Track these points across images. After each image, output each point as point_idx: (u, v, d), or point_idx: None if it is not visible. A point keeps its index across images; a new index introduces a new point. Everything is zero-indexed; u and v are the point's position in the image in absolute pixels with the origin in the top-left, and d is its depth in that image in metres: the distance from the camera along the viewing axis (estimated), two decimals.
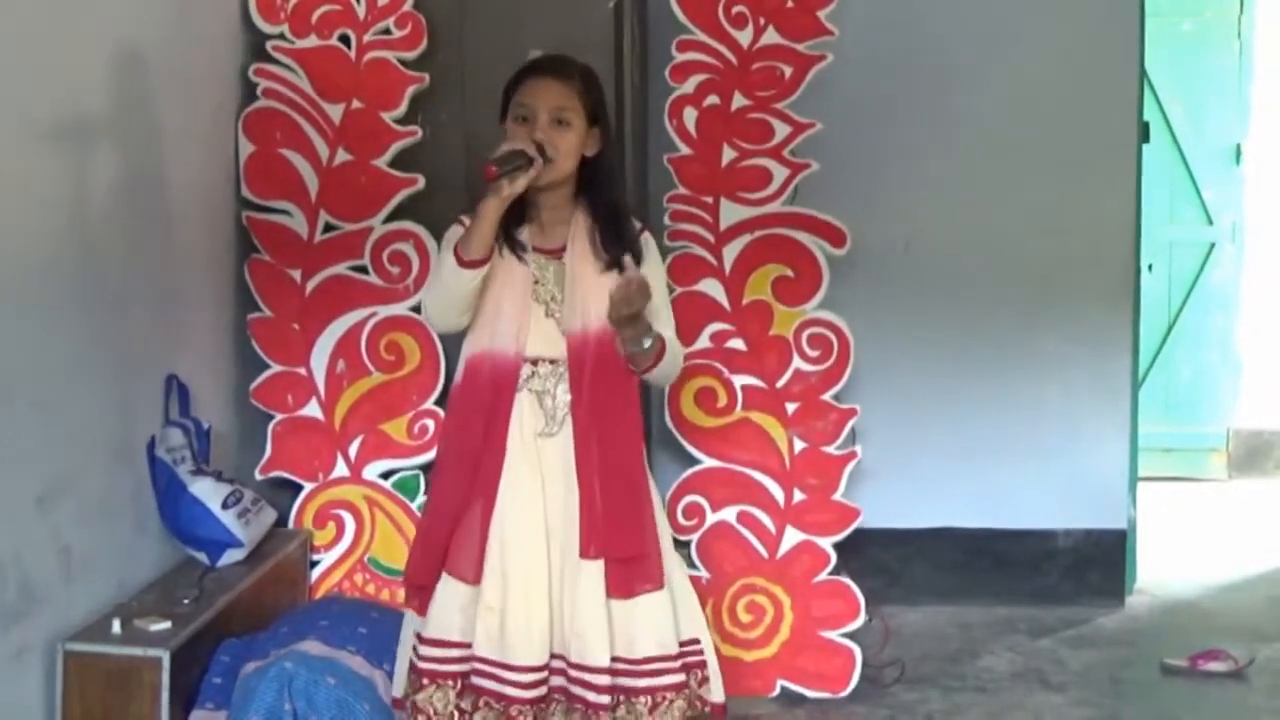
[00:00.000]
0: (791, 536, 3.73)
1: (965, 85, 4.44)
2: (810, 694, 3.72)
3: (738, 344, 3.75)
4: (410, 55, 3.73)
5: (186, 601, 3.06)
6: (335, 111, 3.70)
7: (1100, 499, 4.51)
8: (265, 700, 2.87)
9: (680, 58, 3.74)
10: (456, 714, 2.62)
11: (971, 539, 4.51)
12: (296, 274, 3.70)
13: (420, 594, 2.68)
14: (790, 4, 3.72)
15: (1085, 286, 4.49)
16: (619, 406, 2.66)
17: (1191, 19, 6.15)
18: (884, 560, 4.40)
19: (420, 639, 2.65)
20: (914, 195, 4.45)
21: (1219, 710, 3.74)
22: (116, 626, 2.86)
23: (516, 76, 2.67)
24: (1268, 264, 6.35)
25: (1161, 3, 5.55)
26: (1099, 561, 4.51)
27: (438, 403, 3.67)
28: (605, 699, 2.57)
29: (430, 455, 3.65)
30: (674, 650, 2.64)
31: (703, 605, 3.57)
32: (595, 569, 2.59)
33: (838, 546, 3.75)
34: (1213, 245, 6.28)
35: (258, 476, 3.69)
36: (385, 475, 3.72)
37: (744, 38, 3.73)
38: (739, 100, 3.73)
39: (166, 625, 2.91)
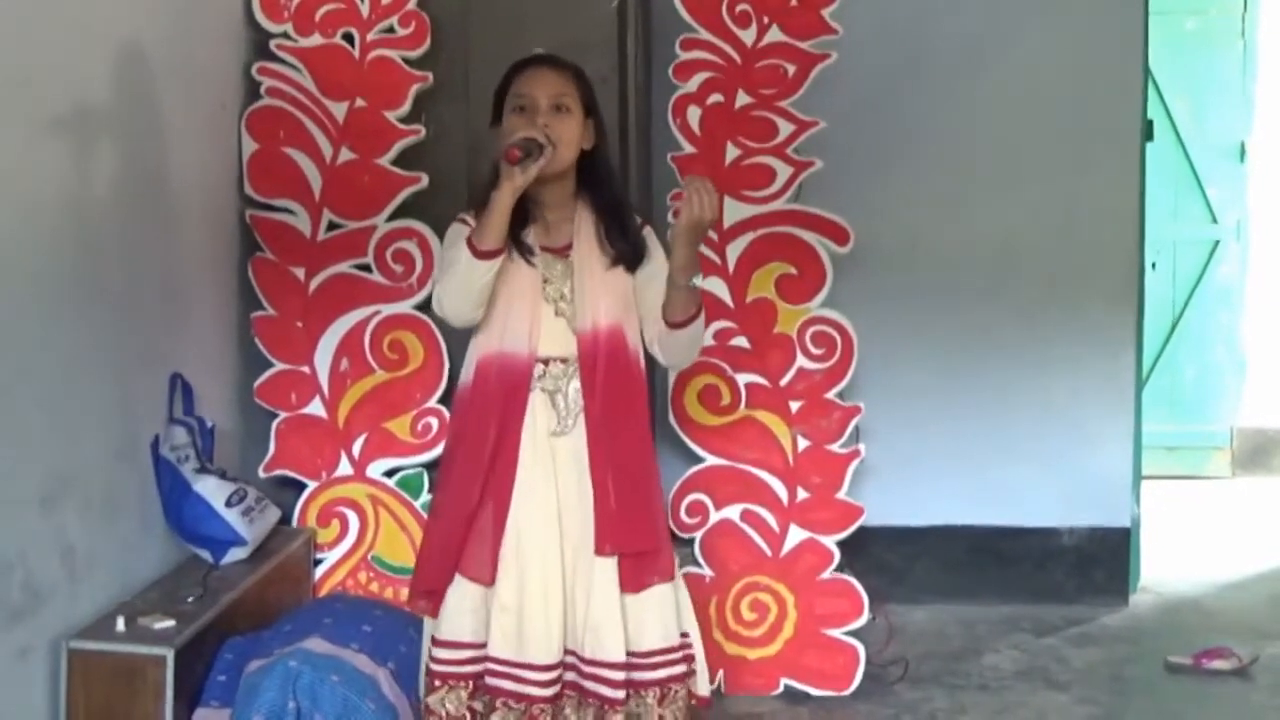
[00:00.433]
0: (795, 535, 3.73)
1: (969, 83, 4.44)
2: (814, 692, 3.72)
3: (741, 342, 3.76)
4: (414, 54, 3.73)
5: (190, 600, 3.07)
6: (339, 110, 3.70)
7: (1104, 497, 4.51)
8: (269, 698, 2.87)
9: (684, 56, 3.75)
10: (469, 715, 2.62)
11: (975, 537, 4.51)
12: (300, 272, 3.71)
13: (430, 598, 2.66)
14: (794, 2, 3.72)
15: (1089, 284, 4.48)
16: (630, 401, 2.66)
17: (1195, 17, 6.15)
18: (887, 558, 4.39)
19: (435, 642, 2.64)
20: (918, 193, 4.45)
21: (1223, 708, 3.74)
22: (121, 625, 2.86)
23: (508, 75, 2.67)
24: (1272, 262, 6.35)
25: (1165, 1, 5.55)
26: (1103, 560, 4.51)
27: (441, 401, 3.67)
28: (621, 694, 2.58)
29: (433, 453, 3.66)
30: (676, 642, 2.66)
31: (706, 603, 3.64)
32: (609, 565, 2.60)
33: (841, 545, 3.75)
34: (1217, 243, 6.28)
35: (261, 475, 3.70)
36: (389, 473, 3.72)
37: (748, 36, 3.73)
38: (743, 98, 3.73)
39: (171, 623, 2.91)
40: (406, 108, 3.72)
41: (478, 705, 2.62)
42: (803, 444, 3.75)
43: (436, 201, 3.66)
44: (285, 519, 3.63)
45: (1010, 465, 4.49)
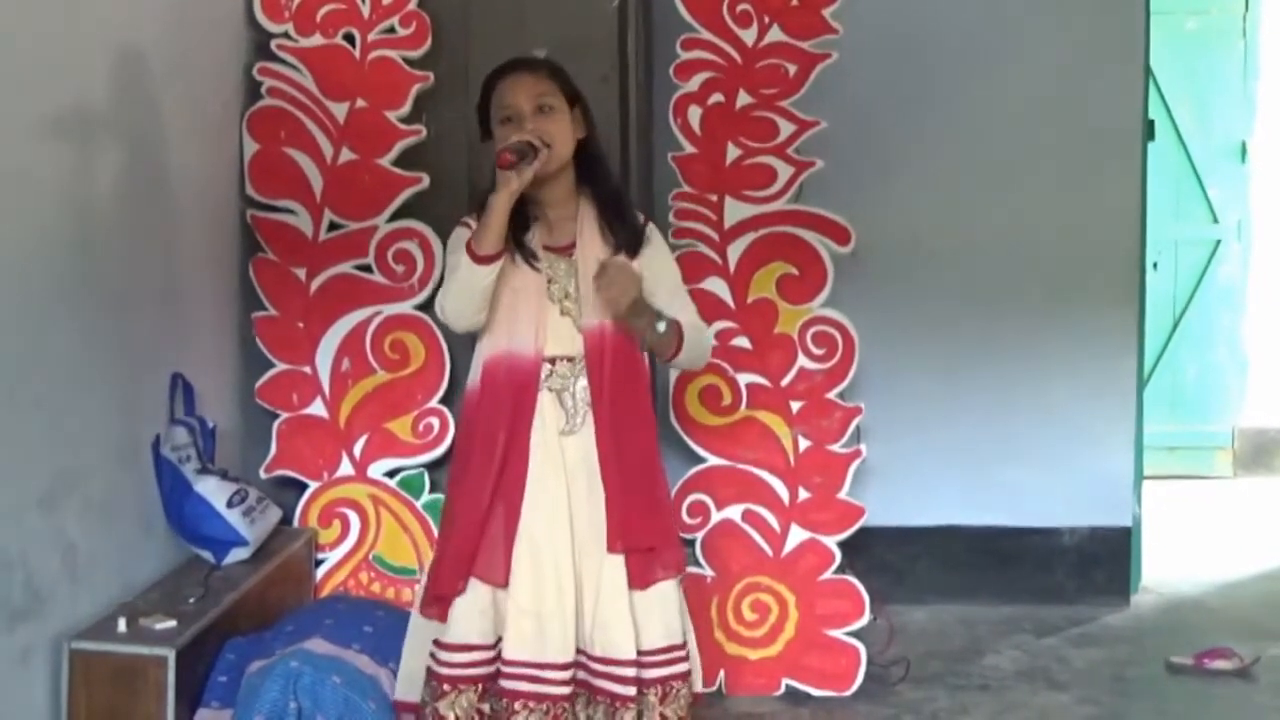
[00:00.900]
0: (796, 535, 3.73)
1: (970, 83, 4.43)
2: (815, 693, 3.71)
3: (742, 342, 3.75)
4: (415, 54, 3.73)
5: (192, 600, 3.07)
6: (340, 110, 3.70)
7: (1105, 497, 4.51)
8: (270, 698, 2.87)
9: (685, 55, 3.74)
10: (477, 717, 2.62)
11: (976, 537, 4.50)
12: (301, 273, 3.71)
13: (441, 604, 2.65)
14: (795, 2, 3.72)
15: (1090, 284, 4.48)
16: (636, 398, 2.68)
17: (1196, 17, 6.15)
18: (889, 559, 4.39)
19: (441, 645, 2.63)
20: (919, 193, 4.45)
21: (1224, 708, 3.74)
22: (122, 625, 2.86)
23: (484, 91, 2.68)
24: (1273, 261, 6.34)
25: (1166, 1, 5.55)
26: (1104, 560, 4.51)
27: (443, 401, 3.67)
28: (631, 690, 2.59)
29: (435, 454, 3.66)
30: (679, 639, 2.67)
31: (707, 604, 3.64)
32: (618, 562, 2.61)
33: (842, 545, 3.75)
34: (1218, 243, 6.27)
35: (263, 475, 3.70)
36: (390, 474, 3.72)
37: (749, 36, 3.73)
38: (743, 98, 3.73)
39: (172, 624, 2.91)
40: (407, 108, 3.72)
41: (486, 708, 2.62)
42: (804, 444, 3.75)
43: (437, 202, 3.66)
44: (286, 519, 3.63)
45: (1011, 465, 4.48)
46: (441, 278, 2.85)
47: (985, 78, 4.44)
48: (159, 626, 2.90)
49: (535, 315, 2.63)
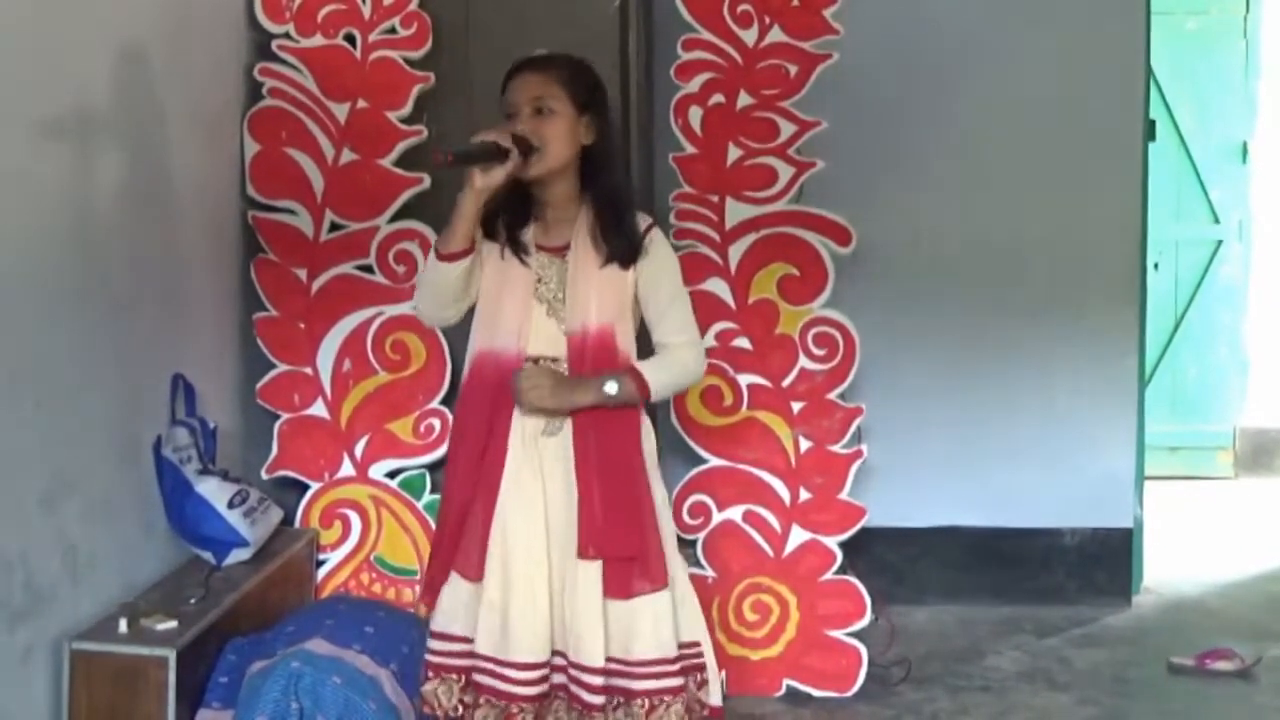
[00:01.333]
0: (797, 535, 3.73)
1: (970, 84, 4.44)
2: (816, 693, 3.71)
3: (743, 343, 3.75)
4: (415, 55, 3.73)
5: (193, 601, 3.07)
6: (341, 111, 3.70)
7: (1106, 498, 4.51)
8: (271, 699, 2.87)
9: (685, 56, 3.74)
10: (460, 708, 2.63)
11: (977, 538, 4.50)
12: (302, 273, 3.71)
13: (431, 593, 2.70)
14: (796, 3, 3.72)
15: (1092, 285, 4.48)
16: (619, 406, 2.64)
17: (1197, 17, 6.15)
18: (890, 559, 4.39)
19: (431, 634, 2.67)
20: (920, 194, 4.45)
21: (1226, 709, 3.74)
22: (123, 626, 2.86)
23: (503, 84, 2.67)
24: (1274, 262, 6.35)
25: (1167, 1, 5.55)
26: (1105, 561, 4.51)
27: (444, 402, 3.67)
28: (599, 699, 2.57)
29: (436, 454, 3.67)
30: (673, 653, 2.61)
31: (708, 604, 3.62)
32: (593, 569, 2.58)
33: (844, 545, 3.75)
34: (1219, 243, 6.27)
35: (264, 476, 3.70)
36: (391, 474, 3.72)
37: (749, 36, 3.73)
38: (744, 99, 3.73)
39: (173, 624, 2.91)
40: (408, 108, 3.72)
41: (469, 699, 2.63)
42: (805, 445, 3.75)
43: (439, 202, 3.64)
44: (288, 520, 3.63)
45: (1012, 466, 4.49)
46: None
47: (986, 78, 4.44)
48: (160, 627, 2.90)
49: (520, 313, 2.62)
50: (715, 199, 3.75)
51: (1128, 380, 4.52)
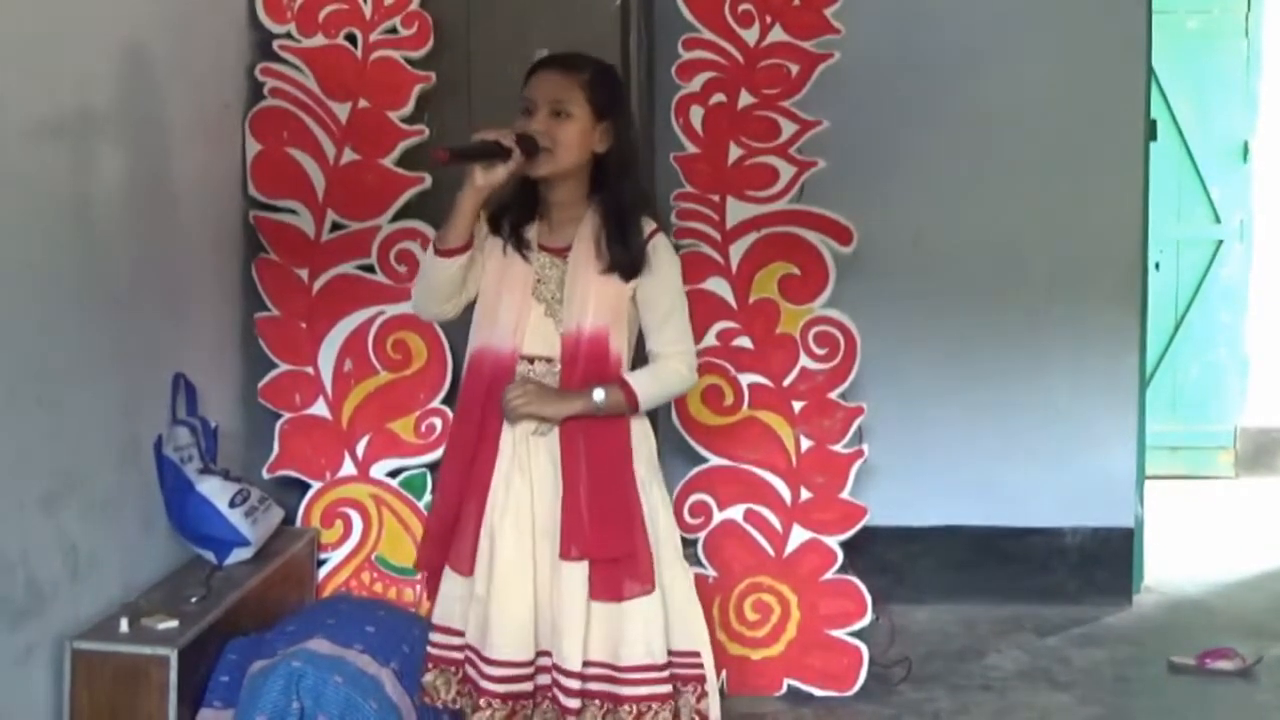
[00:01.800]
0: (798, 535, 3.73)
1: (972, 83, 4.44)
2: (817, 692, 3.72)
3: (744, 342, 3.76)
4: (417, 54, 3.73)
5: (194, 600, 3.07)
6: (342, 111, 3.70)
7: (1107, 497, 4.51)
8: (272, 698, 2.87)
9: (686, 56, 3.75)
10: (459, 699, 2.67)
11: (978, 537, 4.51)
12: (304, 273, 3.71)
13: (427, 584, 2.76)
14: (797, 2, 3.72)
15: (1092, 285, 4.48)
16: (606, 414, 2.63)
17: (1198, 16, 6.14)
18: (891, 559, 4.39)
19: (430, 625, 2.72)
20: (921, 193, 4.45)
21: (1227, 709, 3.74)
22: (124, 625, 2.86)
23: (526, 75, 2.67)
24: (1275, 261, 6.34)
25: (1168, 0, 5.55)
26: (1106, 560, 4.51)
27: (445, 401, 3.67)
28: (575, 703, 2.58)
29: (437, 454, 3.66)
30: (662, 659, 2.60)
31: (709, 604, 3.61)
32: (578, 570, 2.58)
33: (844, 545, 3.75)
34: (1220, 243, 6.27)
35: (265, 475, 3.70)
36: (393, 474, 3.72)
37: (750, 36, 3.73)
38: (745, 98, 3.73)
39: (174, 624, 2.91)
40: (409, 108, 3.72)
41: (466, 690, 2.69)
42: (806, 444, 3.75)
43: (440, 202, 3.61)
44: (289, 519, 3.63)
45: (1013, 465, 4.49)
46: None
47: (987, 77, 4.44)
48: (161, 626, 2.90)
49: (518, 310, 2.62)
50: (716, 198, 3.75)
51: (1129, 380, 4.52)
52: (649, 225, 2.66)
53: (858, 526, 3.75)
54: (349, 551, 3.71)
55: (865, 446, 3.78)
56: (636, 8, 3.84)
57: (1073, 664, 4.00)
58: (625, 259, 2.61)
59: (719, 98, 3.73)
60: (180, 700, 2.84)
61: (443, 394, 3.68)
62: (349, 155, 3.70)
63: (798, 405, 3.75)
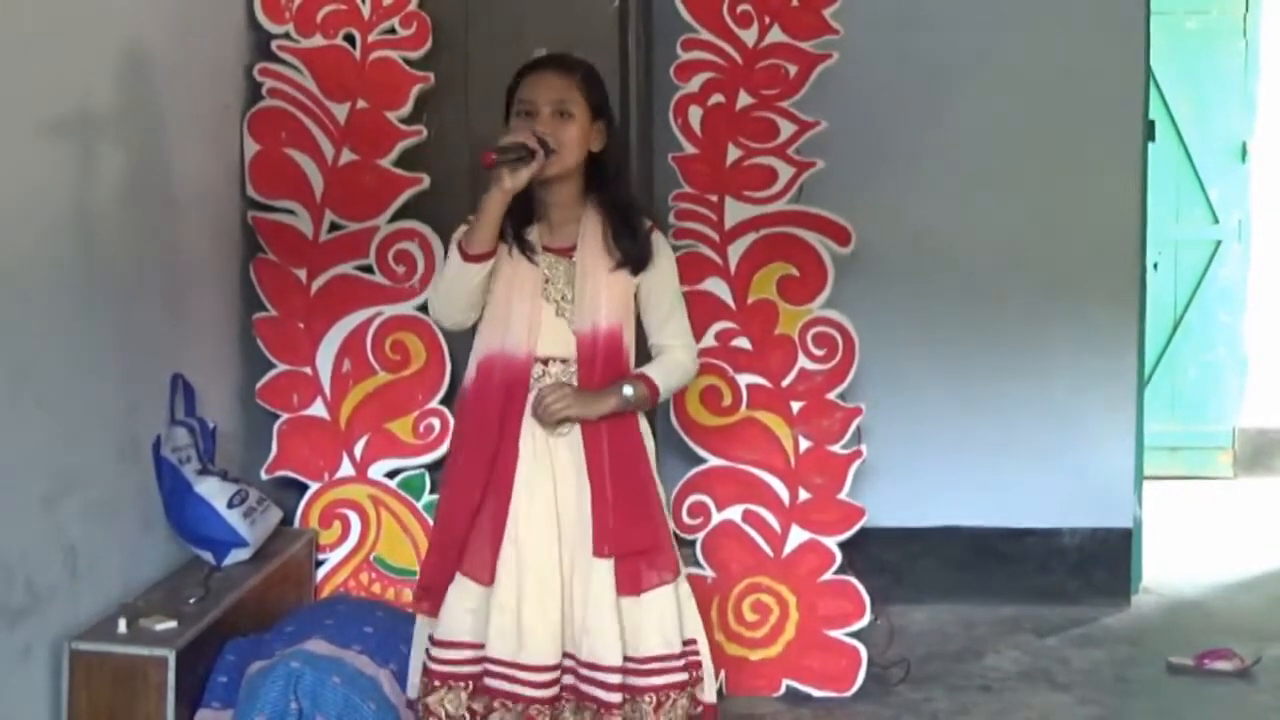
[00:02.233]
0: (797, 535, 3.73)
1: (970, 84, 4.44)
2: (816, 693, 3.72)
3: (743, 343, 3.75)
4: (415, 55, 3.73)
5: (192, 601, 3.07)
6: (340, 111, 3.70)
7: (1106, 498, 4.51)
8: (271, 699, 2.87)
9: (685, 56, 3.74)
10: (468, 715, 2.63)
11: (977, 538, 4.50)
12: (302, 273, 3.70)
13: (430, 596, 2.68)
14: (795, 3, 3.72)
15: (1091, 285, 4.48)
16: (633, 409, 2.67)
17: (1197, 17, 6.15)
18: (889, 559, 4.39)
19: (434, 641, 2.66)
20: (919, 194, 4.45)
21: (1225, 709, 3.74)
22: (122, 626, 2.86)
23: (517, 76, 2.68)
24: (1274, 262, 6.35)
25: (1167, 1, 5.55)
26: (1104, 560, 4.51)
27: (443, 402, 3.67)
28: (617, 697, 2.58)
29: (435, 455, 3.66)
30: (678, 648, 2.65)
31: (708, 604, 3.64)
32: (606, 567, 2.60)
33: (843, 545, 3.75)
34: (1218, 243, 6.27)
35: (263, 476, 3.70)
36: (391, 474, 3.72)
37: (749, 36, 3.73)
38: (744, 99, 3.73)
39: (172, 624, 2.91)
40: (408, 109, 3.72)
41: (477, 706, 2.63)
42: (804, 445, 3.75)
43: (438, 202, 3.66)
44: (287, 520, 3.63)
45: (1012, 465, 4.49)
46: None
47: (985, 78, 4.44)
48: (159, 627, 2.89)
49: (529, 314, 2.63)
50: (715, 199, 3.75)
51: (1127, 380, 4.52)
52: (645, 221, 2.70)
53: (856, 527, 3.74)
54: (347, 552, 3.71)
55: (864, 447, 3.78)
56: (635, 8, 3.84)
57: (1071, 664, 4.00)
58: (635, 253, 2.65)
59: (717, 98, 3.73)
60: (178, 701, 2.84)
61: (441, 394, 3.68)
62: (347, 156, 3.70)
63: (796, 406, 3.75)
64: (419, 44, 3.73)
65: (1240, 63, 6.19)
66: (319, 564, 3.70)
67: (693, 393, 3.73)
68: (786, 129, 3.73)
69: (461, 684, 2.63)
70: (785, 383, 3.75)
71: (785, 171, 3.74)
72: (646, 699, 2.61)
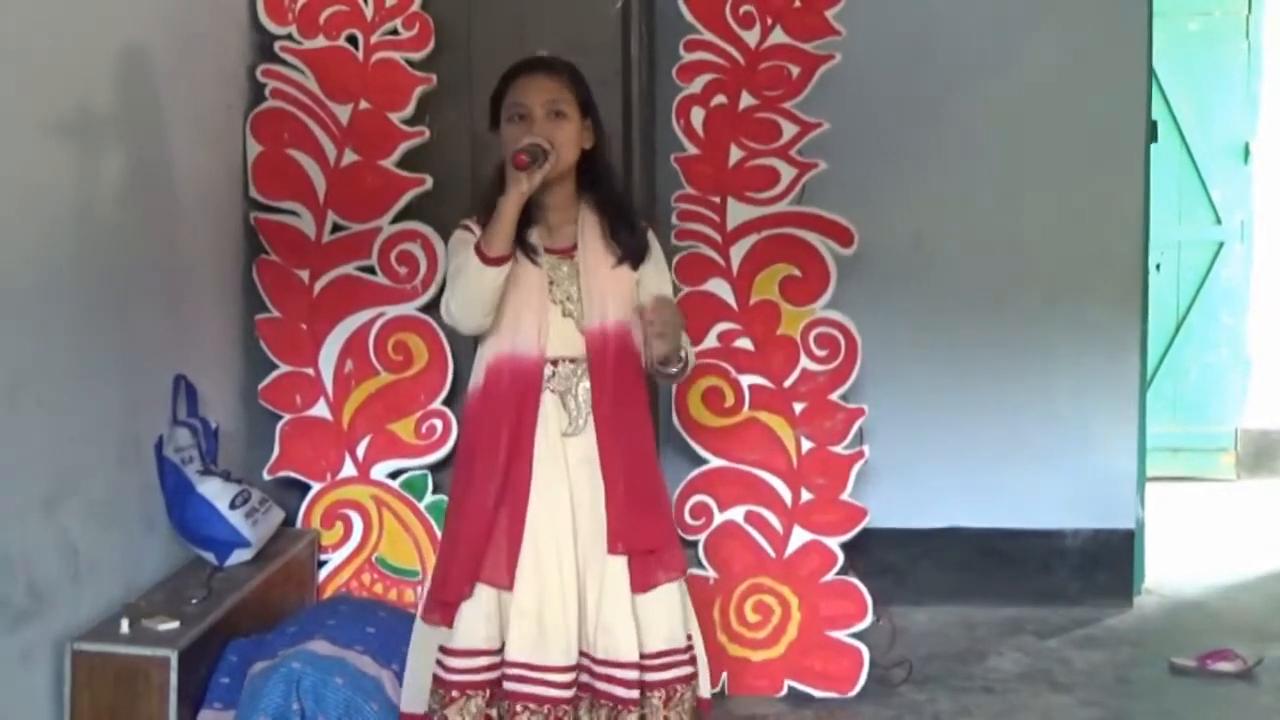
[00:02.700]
0: (799, 536, 3.73)
1: (973, 85, 4.44)
2: (818, 694, 3.71)
3: (745, 344, 3.75)
4: (417, 56, 3.73)
5: (194, 601, 3.07)
6: (343, 112, 3.71)
7: (1108, 499, 4.51)
8: (273, 700, 2.88)
9: (687, 57, 3.74)
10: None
11: (979, 539, 4.50)
12: (304, 274, 3.71)
13: (446, 609, 2.65)
14: (798, 4, 3.72)
15: (1093, 286, 4.48)
16: (636, 399, 2.70)
17: (1199, 18, 6.15)
18: (891, 560, 4.39)
19: (447, 651, 2.64)
20: (922, 195, 4.45)
21: (1227, 710, 3.74)
22: (124, 626, 2.87)
23: (502, 82, 2.69)
24: (1276, 263, 6.34)
25: (1169, 2, 5.55)
26: (1107, 562, 4.51)
27: (445, 403, 3.67)
28: (634, 694, 2.60)
29: (438, 455, 3.67)
30: (683, 643, 2.67)
31: (710, 605, 3.65)
32: (620, 564, 2.61)
33: (845, 546, 3.75)
34: (1221, 244, 6.27)
35: (266, 476, 3.70)
36: (393, 475, 3.72)
37: (751, 37, 3.73)
38: (746, 100, 3.73)
39: (174, 625, 2.91)
40: (410, 110, 3.72)
41: (493, 713, 2.62)
42: (806, 446, 3.75)
43: (440, 203, 3.66)
44: (289, 521, 3.63)
45: (1014, 467, 4.49)
46: (444, 280, 2.85)
47: (988, 79, 4.44)
48: (161, 628, 2.90)
49: (538, 316, 2.64)
50: (717, 200, 3.75)
51: (1129, 381, 4.52)
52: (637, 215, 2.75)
53: (858, 528, 3.74)
54: (349, 553, 3.71)
55: (866, 448, 3.78)
56: (637, 9, 3.84)
57: (1073, 666, 4.00)
58: (634, 246, 2.68)
59: (720, 99, 3.74)
60: (180, 701, 2.84)
61: (443, 395, 3.68)
62: (350, 156, 3.71)
63: (798, 406, 3.75)
64: (421, 45, 3.73)
65: (1243, 63, 6.19)
66: (321, 564, 3.71)
67: (695, 393, 3.73)
68: (789, 130, 3.73)
69: (479, 692, 2.62)
70: (787, 383, 3.75)
71: (787, 172, 3.74)
72: (657, 694, 2.63)
